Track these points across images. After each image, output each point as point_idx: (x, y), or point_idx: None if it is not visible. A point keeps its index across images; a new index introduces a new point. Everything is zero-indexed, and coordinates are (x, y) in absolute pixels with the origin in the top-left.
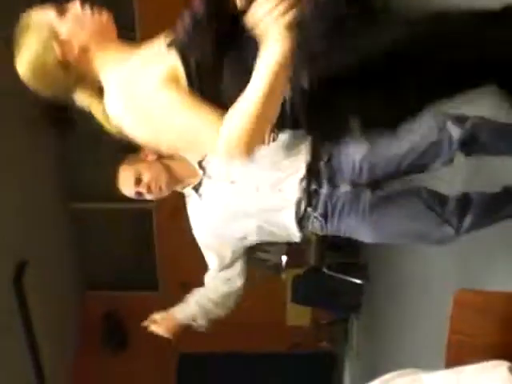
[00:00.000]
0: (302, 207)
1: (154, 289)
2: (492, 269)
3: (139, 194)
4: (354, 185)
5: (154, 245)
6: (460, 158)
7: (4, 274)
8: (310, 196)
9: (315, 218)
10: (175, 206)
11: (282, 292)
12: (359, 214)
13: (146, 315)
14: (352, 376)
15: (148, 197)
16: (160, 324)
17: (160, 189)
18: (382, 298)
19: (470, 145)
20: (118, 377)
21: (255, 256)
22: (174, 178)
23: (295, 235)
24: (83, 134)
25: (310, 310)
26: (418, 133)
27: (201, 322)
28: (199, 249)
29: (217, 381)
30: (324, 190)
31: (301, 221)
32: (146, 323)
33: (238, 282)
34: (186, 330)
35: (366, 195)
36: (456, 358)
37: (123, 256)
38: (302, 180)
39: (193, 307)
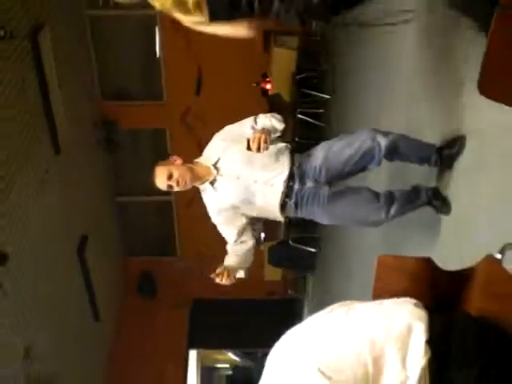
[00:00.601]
0: (284, 198)
1: (174, 255)
2: (408, 242)
3: (170, 186)
4: (316, 182)
5: (174, 226)
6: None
7: (72, 243)
8: (288, 190)
9: (290, 205)
10: (189, 198)
11: (261, 257)
12: (319, 203)
13: (169, 273)
14: (309, 312)
15: (176, 189)
16: (222, 275)
17: (185, 183)
18: (329, 261)
19: (392, 153)
20: (150, 316)
21: None
22: (195, 176)
23: (279, 217)
24: (125, 150)
25: (281, 270)
26: (356, 143)
27: (242, 271)
28: (206, 228)
29: (218, 317)
30: (296, 186)
31: (282, 207)
32: (212, 276)
33: (250, 242)
34: (198, 281)
35: (324, 190)
36: (378, 299)
37: (153, 234)
38: (286, 179)
39: (233, 260)
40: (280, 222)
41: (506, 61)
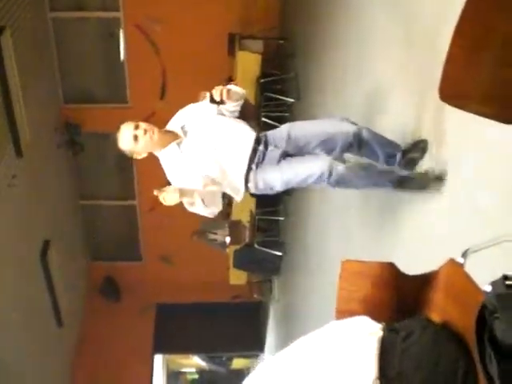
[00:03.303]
0: (249, 161)
1: (139, 259)
2: (371, 245)
3: (136, 137)
4: (277, 148)
5: (138, 230)
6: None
7: (35, 248)
8: (252, 153)
9: (251, 168)
10: (152, 203)
11: (226, 261)
12: (275, 162)
13: (133, 278)
14: (273, 314)
15: (141, 143)
16: (165, 192)
17: (152, 133)
18: (294, 264)
19: (360, 142)
20: (114, 321)
21: (207, 237)
22: (162, 134)
23: (241, 183)
24: (89, 154)
25: (246, 274)
26: (329, 122)
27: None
28: (169, 232)
29: (183, 322)
30: (260, 148)
31: (247, 175)
32: (155, 192)
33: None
34: (162, 286)
35: (282, 153)
36: (342, 304)
37: (117, 238)
38: (252, 142)
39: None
40: (244, 226)
41: (469, 64)
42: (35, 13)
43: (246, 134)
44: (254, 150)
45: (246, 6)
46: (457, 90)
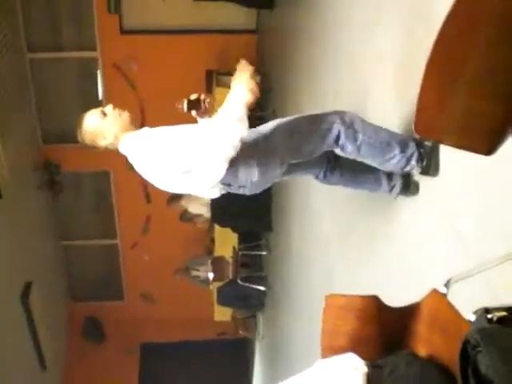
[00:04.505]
0: None
1: (121, 299)
2: (354, 278)
3: (103, 112)
4: None
5: (120, 268)
6: None
7: (16, 290)
8: None
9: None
10: (133, 241)
11: (210, 297)
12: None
13: (116, 318)
14: (259, 351)
15: (107, 122)
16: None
17: (120, 113)
18: (277, 299)
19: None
20: (98, 362)
21: (190, 274)
22: (131, 119)
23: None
24: (68, 194)
25: (231, 310)
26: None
27: None
28: (151, 270)
29: (168, 361)
30: None
31: None
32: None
33: None
34: (146, 324)
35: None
36: (327, 339)
37: (99, 278)
38: None
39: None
40: (227, 262)
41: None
42: (13, 54)
43: None
44: None
45: (223, 42)
46: (431, 124)
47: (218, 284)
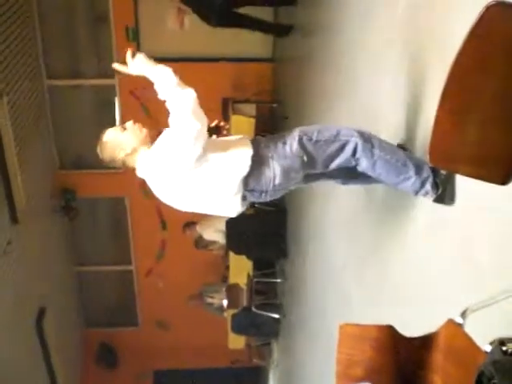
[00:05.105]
0: None
1: (135, 325)
2: (369, 302)
3: (123, 127)
4: None
5: (135, 295)
6: None
7: (30, 315)
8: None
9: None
10: (148, 268)
11: (224, 325)
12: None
13: (129, 345)
14: (273, 380)
15: (126, 135)
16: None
17: (140, 128)
18: (293, 327)
19: (368, 142)
20: None
21: (204, 301)
22: (151, 135)
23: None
24: (84, 219)
25: (245, 337)
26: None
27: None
28: (165, 296)
29: None
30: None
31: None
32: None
33: None
34: (159, 351)
35: None
36: (342, 368)
37: (113, 304)
38: None
39: None
40: (242, 289)
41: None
42: (32, 81)
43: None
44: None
45: (239, 70)
46: (446, 154)
47: (233, 311)
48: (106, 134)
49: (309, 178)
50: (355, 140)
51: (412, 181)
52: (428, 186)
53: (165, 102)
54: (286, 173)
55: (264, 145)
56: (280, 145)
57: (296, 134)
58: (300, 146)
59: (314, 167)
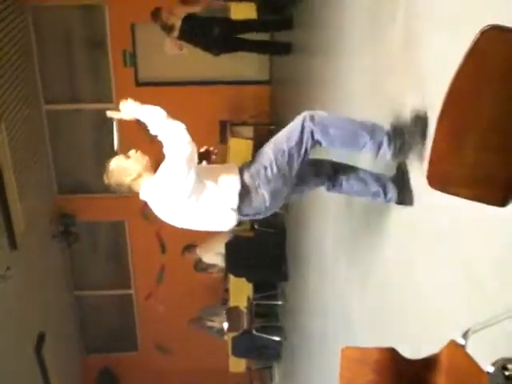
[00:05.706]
0: None
1: (135, 349)
2: (370, 327)
3: (127, 156)
4: None
5: (135, 318)
6: None
7: (29, 341)
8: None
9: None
10: (148, 291)
11: (225, 348)
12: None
13: (130, 369)
14: None
15: (129, 162)
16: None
17: (143, 156)
18: (294, 350)
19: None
20: None
21: (205, 324)
22: (153, 163)
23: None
24: (83, 243)
25: (246, 361)
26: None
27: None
28: (165, 320)
29: None
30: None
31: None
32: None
33: None
34: (160, 375)
35: None
36: None
37: (113, 328)
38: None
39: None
40: (242, 311)
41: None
42: (30, 106)
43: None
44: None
45: (236, 93)
46: (444, 176)
47: (233, 334)
48: (111, 162)
49: (295, 187)
50: (308, 126)
51: (369, 145)
52: (385, 146)
53: (157, 136)
54: (274, 194)
55: (249, 175)
56: (262, 171)
57: (271, 155)
58: (278, 167)
59: (294, 169)
